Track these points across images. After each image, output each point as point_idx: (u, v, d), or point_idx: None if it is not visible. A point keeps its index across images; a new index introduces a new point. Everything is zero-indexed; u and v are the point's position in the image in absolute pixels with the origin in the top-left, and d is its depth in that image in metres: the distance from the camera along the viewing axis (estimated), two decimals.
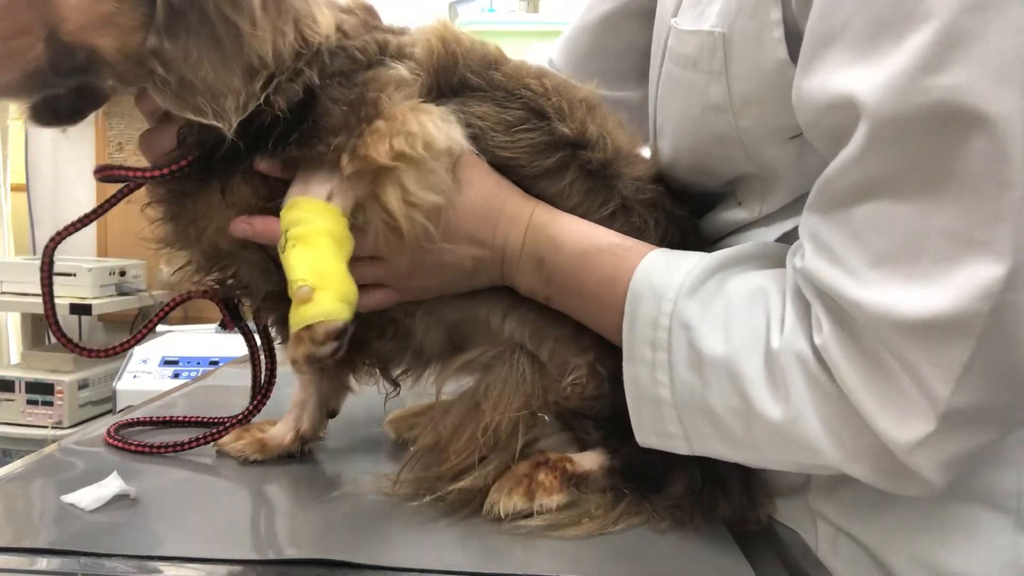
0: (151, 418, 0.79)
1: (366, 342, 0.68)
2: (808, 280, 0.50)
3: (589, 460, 0.64)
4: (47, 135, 2.81)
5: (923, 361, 0.45)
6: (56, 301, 0.63)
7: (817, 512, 0.60)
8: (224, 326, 0.70)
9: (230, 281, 0.67)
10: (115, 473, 0.59)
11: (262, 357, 0.73)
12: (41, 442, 2.27)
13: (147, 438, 0.73)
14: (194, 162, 0.59)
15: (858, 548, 0.57)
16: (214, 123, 0.54)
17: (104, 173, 0.61)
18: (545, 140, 0.63)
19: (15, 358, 2.90)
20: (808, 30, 0.50)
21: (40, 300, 0.62)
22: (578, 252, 0.60)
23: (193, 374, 2.00)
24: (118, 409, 1.87)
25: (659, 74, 0.68)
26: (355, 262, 0.59)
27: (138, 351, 2.11)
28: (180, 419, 0.80)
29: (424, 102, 0.60)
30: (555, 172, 0.63)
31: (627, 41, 0.66)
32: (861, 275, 0.47)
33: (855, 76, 0.46)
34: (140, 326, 0.73)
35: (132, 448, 0.70)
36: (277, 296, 0.64)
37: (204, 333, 2.33)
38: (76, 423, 2.39)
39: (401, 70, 0.61)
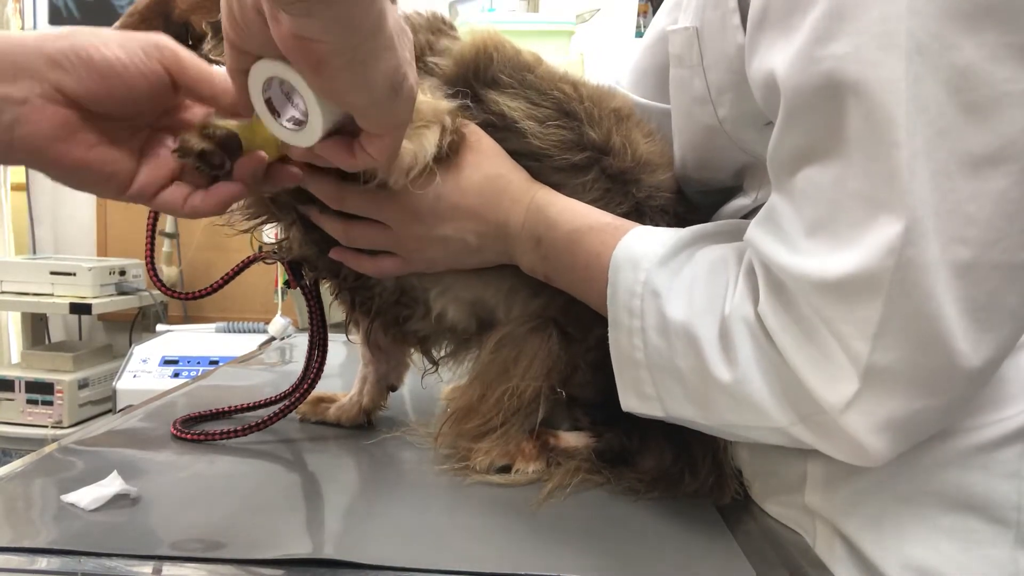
0: (212, 411, 0.81)
1: (403, 320, 0.75)
2: (751, 248, 0.54)
3: (574, 439, 0.70)
4: None
5: (841, 319, 0.47)
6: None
7: (814, 511, 0.60)
8: (288, 285, 0.77)
9: (284, 243, 0.74)
10: (115, 473, 0.60)
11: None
12: (41, 442, 2.28)
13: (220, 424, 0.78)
14: None
15: (852, 550, 0.57)
16: None
17: None
18: (574, 139, 0.67)
19: (15, 357, 2.90)
20: (749, 15, 0.53)
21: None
22: (571, 230, 0.64)
23: (193, 374, 2.00)
24: (118, 409, 1.87)
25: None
26: (364, 226, 0.66)
27: (138, 351, 2.11)
28: (240, 406, 0.82)
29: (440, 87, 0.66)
30: (581, 168, 0.68)
31: None
32: (796, 244, 0.50)
33: (775, 54, 0.50)
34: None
35: (215, 437, 0.74)
36: (329, 265, 0.71)
37: (204, 333, 2.33)
38: (76, 422, 2.39)
39: (431, 64, 0.67)
